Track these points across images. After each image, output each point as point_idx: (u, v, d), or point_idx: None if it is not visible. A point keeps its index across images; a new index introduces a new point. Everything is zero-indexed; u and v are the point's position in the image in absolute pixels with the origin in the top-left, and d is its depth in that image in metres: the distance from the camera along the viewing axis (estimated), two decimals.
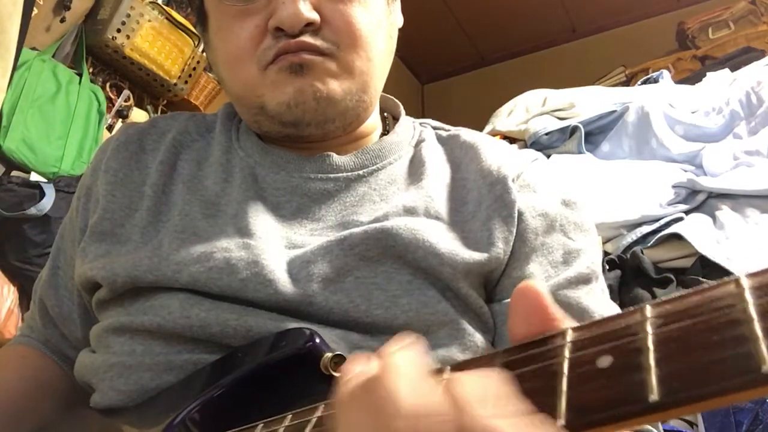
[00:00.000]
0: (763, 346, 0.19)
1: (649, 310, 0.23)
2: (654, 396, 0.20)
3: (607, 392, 0.22)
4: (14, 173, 1.81)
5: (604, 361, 0.23)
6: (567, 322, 0.28)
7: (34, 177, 1.83)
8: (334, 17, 0.62)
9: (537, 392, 0.24)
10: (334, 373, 0.48)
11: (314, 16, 0.61)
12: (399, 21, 0.73)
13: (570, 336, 0.25)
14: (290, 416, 0.37)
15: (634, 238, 1.48)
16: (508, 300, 0.58)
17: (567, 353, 0.24)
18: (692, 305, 0.22)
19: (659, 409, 0.20)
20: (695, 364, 0.20)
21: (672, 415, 0.20)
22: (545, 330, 0.28)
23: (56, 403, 0.71)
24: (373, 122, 0.72)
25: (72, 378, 0.65)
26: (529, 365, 0.25)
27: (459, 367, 0.28)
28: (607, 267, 1.44)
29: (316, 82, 0.61)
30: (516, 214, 0.61)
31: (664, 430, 1.21)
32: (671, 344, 0.21)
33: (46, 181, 1.82)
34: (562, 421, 0.22)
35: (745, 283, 0.21)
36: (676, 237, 1.41)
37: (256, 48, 0.63)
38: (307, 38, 0.61)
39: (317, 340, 0.50)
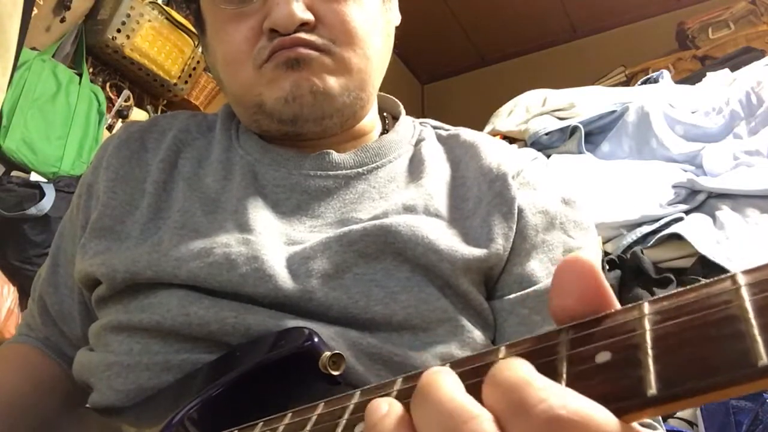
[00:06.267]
0: (759, 342, 0.19)
1: (647, 307, 0.24)
2: (652, 390, 0.21)
3: (606, 387, 0.22)
4: (14, 173, 1.82)
5: (603, 357, 0.23)
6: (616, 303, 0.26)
7: (34, 177, 1.83)
8: (329, 16, 0.63)
9: None
10: (333, 372, 0.48)
11: (308, 16, 0.61)
12: (396, 19, 0.73)
13: (569, 333, 0.25)
14: (290, 414, 0.37)
15: (634, 238, 1.48)
16: (509, 297, 0.59)
17: (566, 350, 0.24)
18: (689, 302, 0.22)
19: (657, 403, 0.20)
20: (693, 358, 0.20)
21: (670, 409, 0.20)
22: (598, 311, 0.26)
23: (55, 402, 0.71)
24: (371, 121, 0.73)
25: (71, 377, 0.65)
26: (530, 361, 0.25)
27: (458, 363, 0.28)
28: (607, 267, 1.44)
29: (312, 76, 0.62)
30: (516, 211, 0.61)
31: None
32: (669, 340, 0.21)
33: (46, 181, 1.82)
34: None
35: (741, 279, 0.21)
36: (676, 237, 1.41)
37: (252, 49, 0.63)
38: (302, 34, 0.61)
39: (316, 339, 0.50)
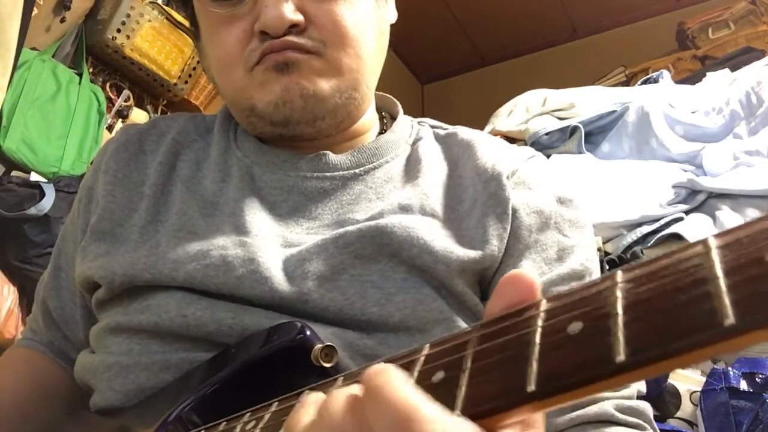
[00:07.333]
0: (726, 302, 0.19)
1: (619, 276, 0.24)
2: (620, 357, 0.20)
3: (576, 357, 0.22)
4: (14, 173, 1.82)
5: (575, 328, 0.23)
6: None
7: (34, 177, 1.83)
8: (319, 16, 0.62)
9: (511, 361, 0.24)
10: (325, 365, 0.48)
11: (298, 18, 0.61)
12: (391, 16, 0.73)
13: (543, 306, 0.25)
14: (276, 403, 0.37)
15: (634, 238, 1.47)
16: None
17: (540, 322, 0.24)
18: (661, 267, 0.22)
19: (626, 369, 0.20)
20: (661, 323, 0.20)
21: (641, 375, 0.20)
22: None
23: (60, 406, 0.71)
24: (368, 120, 0.73)
25: (75, 380, 0.65)
26: (505, 336, 0.25)
27: (439, 343, 0.28)
28: (607, 267, 1.44)
29: (302, 80, 0.62)
30: (510, 212, 0.61)
31: (664, 430, 1.20)
32: (639, 307, 0.21)
33: (46, 181, 1.83)
34: (532, 387, 0.22)
35: (712, 243, 0.21)
36: (676, 237, 1.41)
37: (243, 52, 0.63)
38: (291, 37, 0.61)
39: (308, 333, 0.50)
